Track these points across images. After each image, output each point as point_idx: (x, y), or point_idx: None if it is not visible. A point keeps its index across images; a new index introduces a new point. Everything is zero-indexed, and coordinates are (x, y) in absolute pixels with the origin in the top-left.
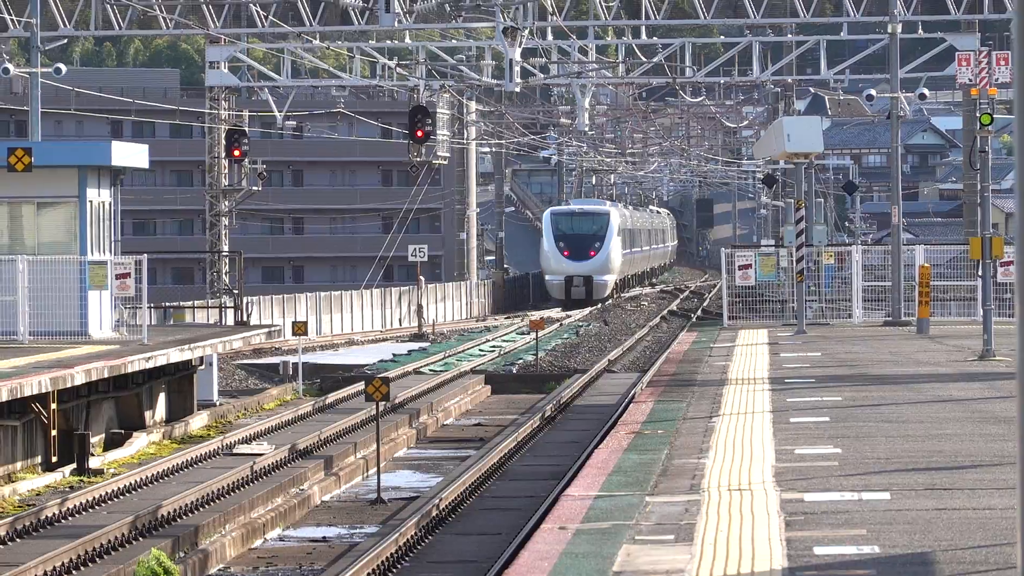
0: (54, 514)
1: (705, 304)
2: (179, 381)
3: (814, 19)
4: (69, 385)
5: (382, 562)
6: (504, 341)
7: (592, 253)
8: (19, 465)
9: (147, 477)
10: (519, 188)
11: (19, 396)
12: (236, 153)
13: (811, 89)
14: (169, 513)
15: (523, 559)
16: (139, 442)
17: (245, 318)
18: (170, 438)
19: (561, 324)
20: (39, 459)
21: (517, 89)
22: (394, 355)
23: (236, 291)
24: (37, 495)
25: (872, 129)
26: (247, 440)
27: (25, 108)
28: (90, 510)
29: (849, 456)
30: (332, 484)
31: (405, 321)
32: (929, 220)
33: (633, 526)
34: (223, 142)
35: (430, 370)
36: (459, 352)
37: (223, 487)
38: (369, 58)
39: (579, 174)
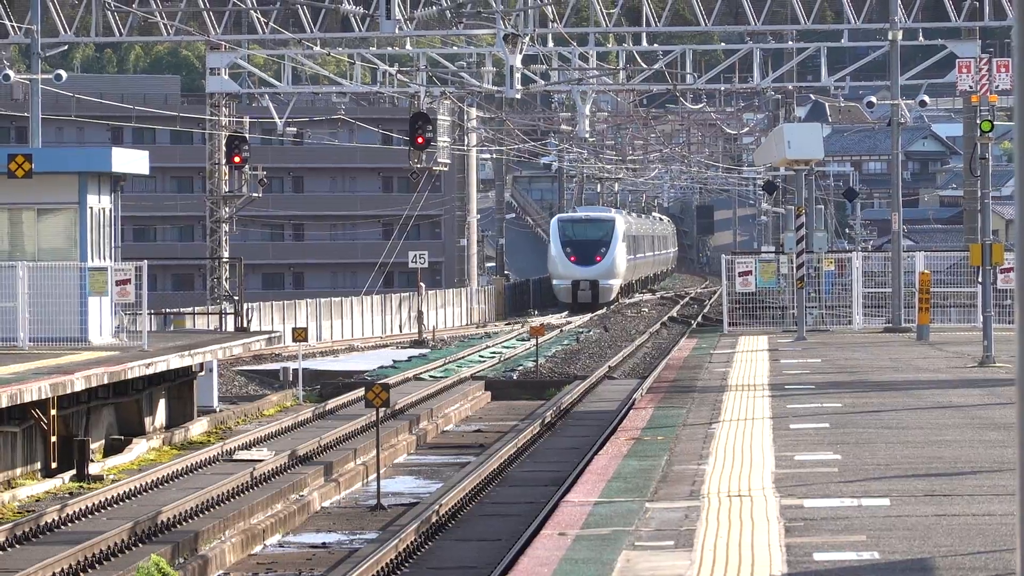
0: (54, 520)
1: (705, 310)
2: (179, 387)
3: (815, 26)
4: (69, 391)
5: (382, 568)
6: (504, 347)
7: (598, 258)
8: (19, 471)
9: (147, 483)
10: (519, 194)
11: (19, 402)
12: (236, 159)
13: (812, 96)
14: (169, 519)
15: (523, 565)
16: (139, 448)
17: (245, 324)
18: (170, 444)
19: (561, 330)
20: (39, 465)
21: (518, 96)
22: (394, 361)
23: (236, 297)
24: (37, 501)
25: (872, 136)
26: (247, 446)
27: (26, 114)
28: (90, 516)
29: (849, 462)
30: (332, 490)
31: (405, 327)
32: (929, 227)
33: (633, 532)
34: (223, 148)
35: (430, 376)
36: (459, 358)
37: (223, 493)
38: (370, 65)
39: (580, 181)
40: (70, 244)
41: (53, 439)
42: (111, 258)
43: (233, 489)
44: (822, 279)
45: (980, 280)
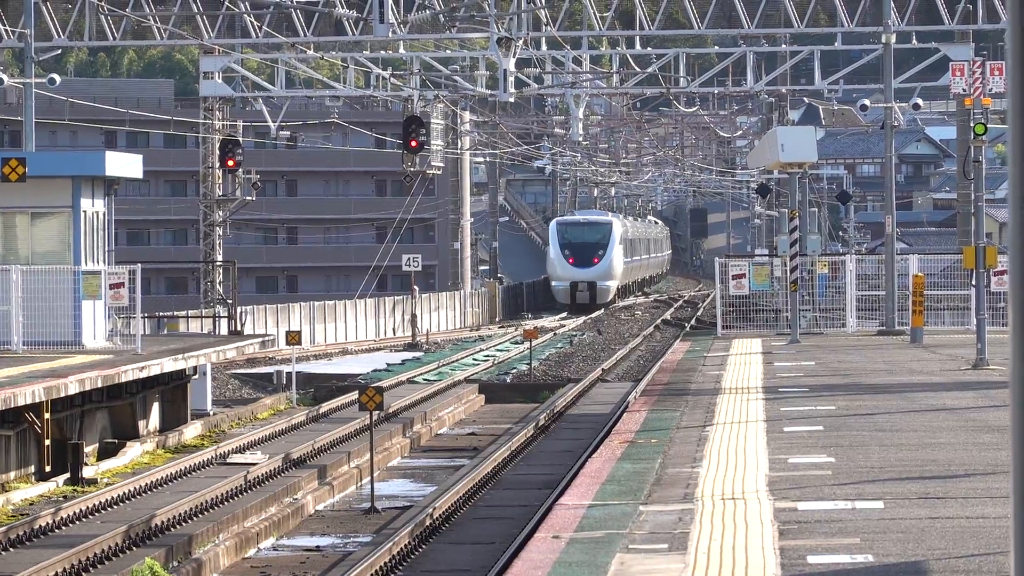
0: (47, 524)
1: (699, 313)
2: (173, 391)
3: (808, 29)
4: (63, 395)
5: (376, 571)
6: (498, 350)
7: (596, 260)
8: (12, 474)
9: (141, 487)
10: (513, 198)
11: (13, 406)
12: (230, 163)
13: (805, 99)
14: (163, 522)
15: (517, 568)
16: (133, 452)
17: (239, 328)
18: (164, 448)
19: (555, 333)
20: (32, 469)
21: (511, 99)
22: (388, 364)
23: (230, 301)
24: (31, 505)
25: (866, 139)
26: (241, 450)
27: (19, 118)
28: (83, 519)
29: (843, 465)
30: (326, 493)
31: (399, 331)
32: (923, 230)
33: (627, 535)
34: (217, 152)
35: (424, 379)
36: (453, 361)
37: (217, 496)
38: (363, 68)
39: (573, 184)
40: (64, 248)
41: (47, 442)
42: (105, 262)
43: (227, 492)
44: (815, 282)
45: (974, 283)
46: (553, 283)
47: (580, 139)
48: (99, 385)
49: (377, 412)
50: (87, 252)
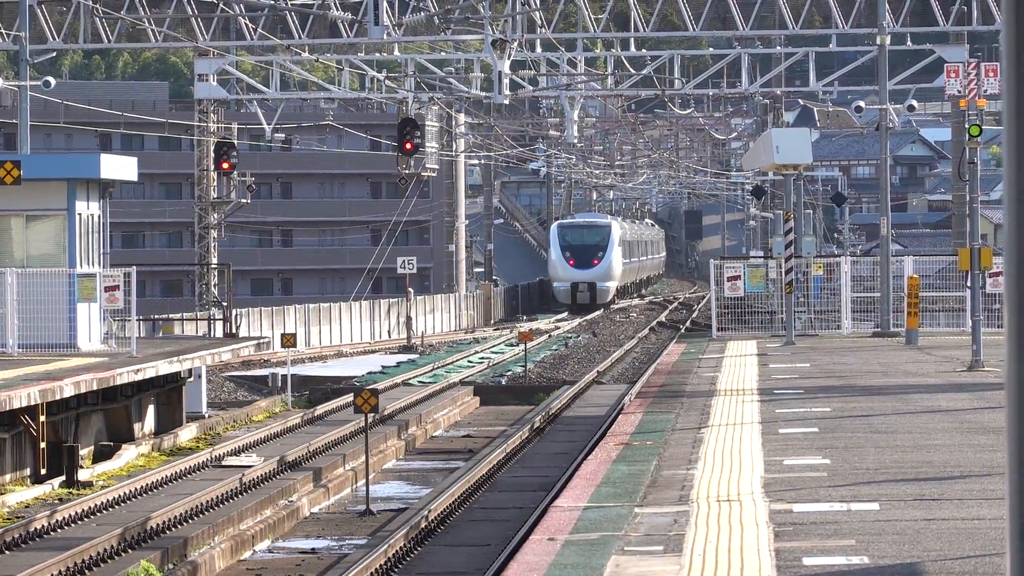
0: (43, 526)
1: (694, 316)
2: (168, 393)
3: (803, 31)
4: (58, 397)
5: (371, 574)
6: (493, 353)
7: (596, 262)
8: (8, 477)
9: (136, 489)
10: (508, 200)
11: (8, 408)
12: (225, 165)
13: (800, 101)
14: (158, 525)
15: (512, 570)
16: (128, 454)
17: (234, 330)
18: (159, 450)
19: (550, 336)
20: (28, 471)
21: (506, 101)
22: (383, 367)
23: (225, 303)
24: (26, 507)
25: (861, 141)
26: (236, 452)
27: (14, 121)
28: (79, 522)
29: (838, 467)
30: (321, 496)
31: (394, 333)
32: (918, 231)
33: (622, 537)
34: (212, 154)
35: (419, 382)
36: (448, 364)
37: (212, 499)
38: (358, 71)
39: (568, 186)
40: (59, 250)
41: (42, 445)
42: (100, 264)
43: (222, 495)
44: (811, 284)
45: (969, 284)
46: (554, 284)
47: (575, 141)
48: (94, 388)
49: (372, 414)
50: (82, 255)
